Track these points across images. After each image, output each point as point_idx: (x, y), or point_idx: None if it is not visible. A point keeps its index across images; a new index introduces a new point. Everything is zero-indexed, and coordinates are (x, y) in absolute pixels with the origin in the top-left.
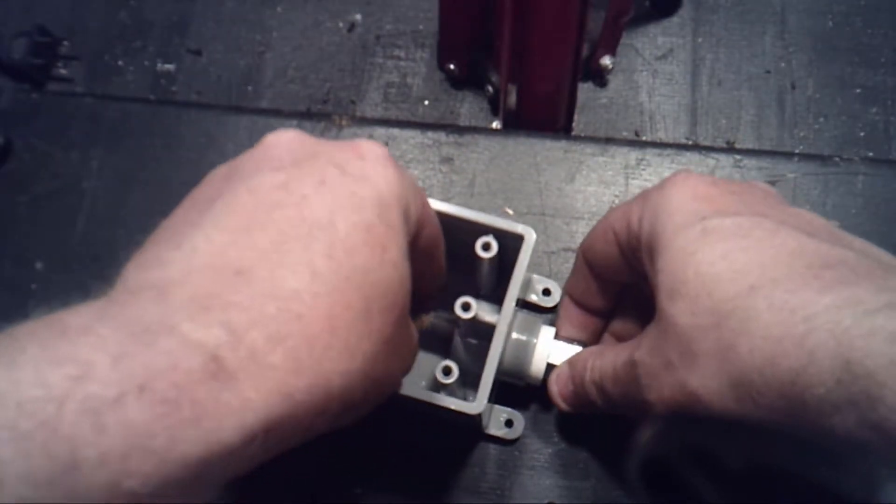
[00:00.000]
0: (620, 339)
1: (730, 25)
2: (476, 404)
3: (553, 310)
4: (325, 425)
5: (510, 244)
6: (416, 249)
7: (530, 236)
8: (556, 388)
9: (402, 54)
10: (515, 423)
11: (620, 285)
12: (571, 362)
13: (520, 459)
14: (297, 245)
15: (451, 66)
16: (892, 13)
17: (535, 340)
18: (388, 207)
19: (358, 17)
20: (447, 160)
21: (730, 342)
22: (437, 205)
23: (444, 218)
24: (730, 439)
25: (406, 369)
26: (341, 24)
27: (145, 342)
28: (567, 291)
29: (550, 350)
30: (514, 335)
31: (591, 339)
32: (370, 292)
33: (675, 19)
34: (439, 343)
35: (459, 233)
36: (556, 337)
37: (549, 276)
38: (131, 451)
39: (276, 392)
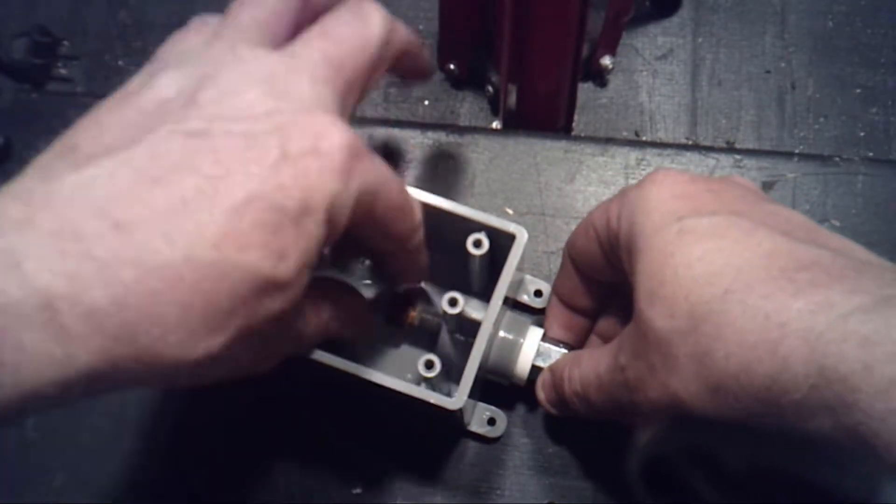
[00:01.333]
0: (606, 338)
1: (730, 25)
2: (456, 400)
3: (543, 311)
4: (163, 383)
5: (503, 243)
6: (371, 226)
7: (522, 236)
8: (542, 394)
9: None
10: (498, 422)
11: (606, 284)
12: (552, 369)
13: (520, 459)
14: (191, 220)
15: (451, 66)
16: (892, 13)
17: (522, 340)
18: (311, 213)
19: None
20: (447, 160)
21: (706, 347)
22: (430, 199)
23: (436, 213)
24: (730, 440)
25: (271, 362)
26: None
27: None
28: (554, 291)
29: (536, 351)
30: (502, 334)
31: (577, 339)
32: (243, 293)
33: (675, 19)
34: (427, 338)
35: (453, 228)
36: (544, 338)
37: (548, 276)
38: None
39: (102, 355)
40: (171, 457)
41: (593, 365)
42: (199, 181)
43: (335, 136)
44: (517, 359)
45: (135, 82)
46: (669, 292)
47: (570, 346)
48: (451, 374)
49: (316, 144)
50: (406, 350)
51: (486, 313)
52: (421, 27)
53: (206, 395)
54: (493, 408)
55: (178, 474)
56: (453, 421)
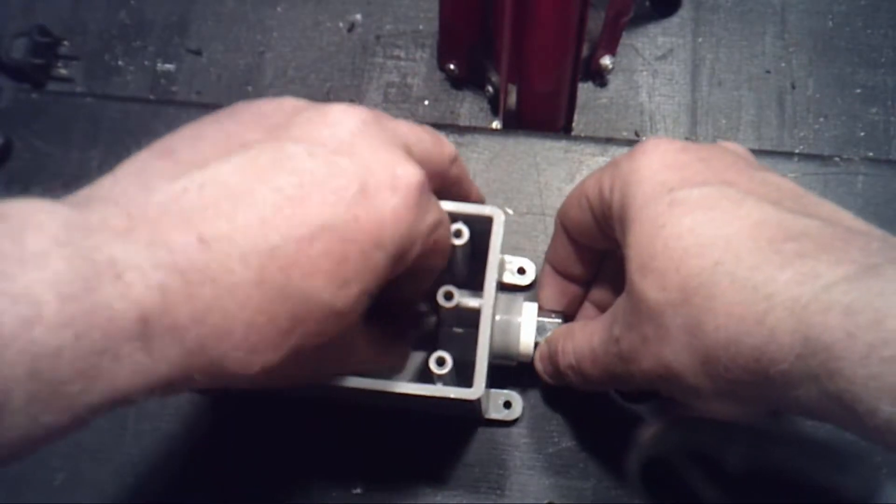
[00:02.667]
0: (599, 306)
1: (730, 25)
2: (475, 389)
3: (529, 287)
4: (220, 388)
5: (480, 228)
6: (427, 261)
7: (499, 216)
8: (540, 365)
9: (402, 54)
10: (514, 404)
11: (598, 252)
12: (548, 341)
13: (520, 459)
14: (266, 241)
15: (451, 66)
16: (892, 13)
17: (518, 319)
18: (381, 247)
19: (358, 17)
20: None
21: (697, 319)
22: None
23: None
24: (729, 440)
25: (315, 380)
26: (341, 24)
27: (90, 287)
28: (547, 259)
29: (535, 326)
30: (497, 317)
31: (571, 307)
32: (302, 316)
33: (675, 19)
34: (418, 341)
35: None
36: (540, 312)
37: None
38: (51, 397)
39: (179, 366)
40: (171, 457)
41: (587, 338)
42: (280, 200)
43: (412, 174)
44: (518, 337)
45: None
46: (660, 265)
47: (566, 317)
48: (455, 368)
49: (393, 180)
50: None
51: (482, 299)
52: (421, 27)
53: (210, 403)
54: (506, 391)
55: (178, 474)
56: (472, 412)
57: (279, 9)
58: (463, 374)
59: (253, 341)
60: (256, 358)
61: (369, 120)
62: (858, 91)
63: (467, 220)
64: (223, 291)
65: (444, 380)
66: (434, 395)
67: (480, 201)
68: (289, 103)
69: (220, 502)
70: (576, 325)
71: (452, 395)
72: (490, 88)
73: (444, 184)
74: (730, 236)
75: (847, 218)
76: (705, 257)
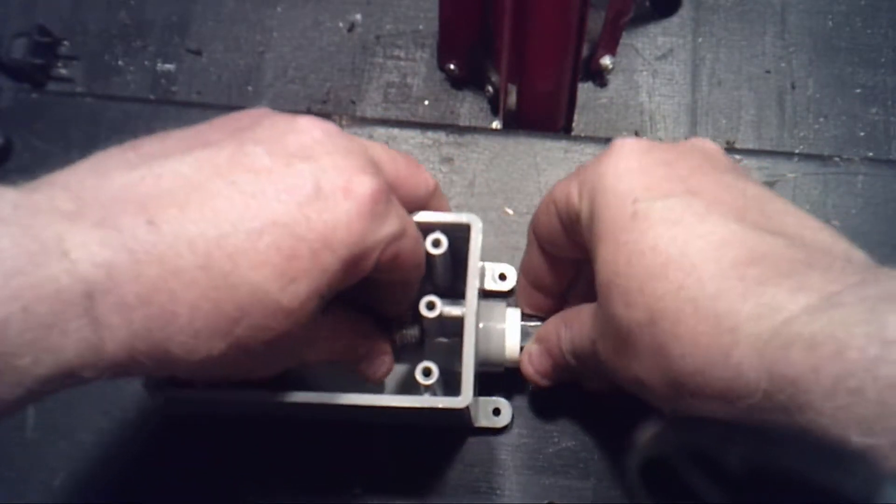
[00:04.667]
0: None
1: (730, 25)
2: (462, 398)
3: (511, 293)
4: (167, 375)
5: (458, 236)
6: (392, 272)
7: (476, 224)
8: (531, 368)
9: (402, 54)
10: (503, 410)
11: (572, 262)
12: (541, 338)
13: (520, 459)
14: (215, 229)
15: (451, 66)
16: (892, 13)
17: (502, 325)
18: (331, 248)
19: (358, 17)
20: (447, 160)
21: (663, 342)
22: None
23: None
24: (730, 440)
25: (270, 372)
26: (341, 24)
27: (37, 263)
28: (521, 271)
29: (520, 331)
30: (481, 324)
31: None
32: (248, 307)
33: (675, 19)
34: (402, 353)
35: None
36: (523, 317)
37: None
38: (2, 370)
39: (126, 345)
40: (171, 457)
41: (580, 327)
42: (234, 194)
43: (369, 181)
44: (503, 343)
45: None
46: (625, 283)
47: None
48: (441, 378)
49: (348, 186)
50: None
51: (465, 307)
52: (421, 27)
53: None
54: (494, 398)
55: (178, 475)
56: (461, 421)
57: (279, 9)
58: (450, 384)
59: (197, 326)
60: (201, 344)
61: (334, 132)
62: (858, 91)
63: (445, 229)
64: (169, 273)
65: (432, 390)
66: (422, 407)
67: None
68: (260, 111)
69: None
70: (570, 313)
71: (440, 406)
72: (490, 88)
73: (420, 211)
74: (693, 257)
75: (812, 229)
76: (669, 280)
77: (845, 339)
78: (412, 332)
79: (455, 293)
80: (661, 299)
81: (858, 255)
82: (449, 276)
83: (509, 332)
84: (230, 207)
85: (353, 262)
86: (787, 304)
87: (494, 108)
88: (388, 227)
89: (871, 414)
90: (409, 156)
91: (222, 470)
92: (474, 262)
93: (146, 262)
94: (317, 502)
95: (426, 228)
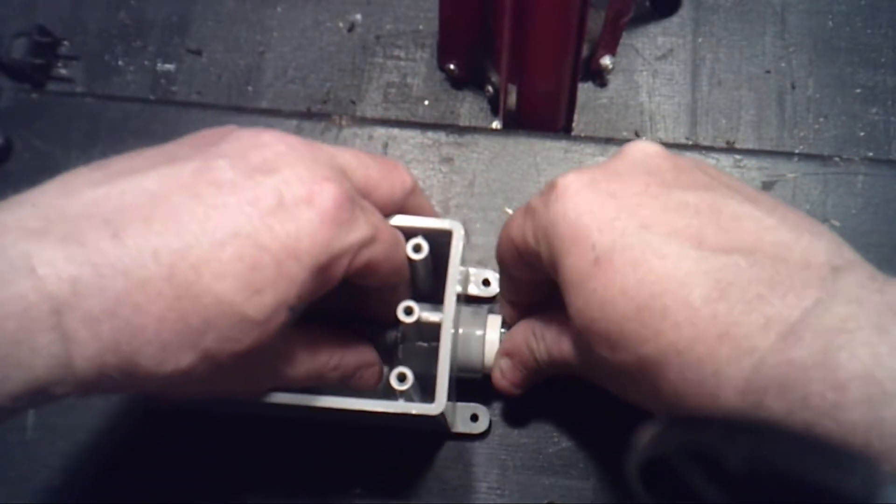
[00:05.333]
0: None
1: (730, 25)
2: (436, 405)
3: (495, 299)
4: (140, 392)
5: (441, 241)
6: (368, 278)
7: (458, 231)
8: (505, 381)
9: (402, 54)
10: (480, 417)
11: (542, 283)
12: (510, 352)
13: (520, 459)
14: (179, 241)
15: (451, 66)
16: (892, 13)
17: (482, 332)
18: (296, 257)
19: (358, 17)
20: (447, 160)
21: (654, 385)
22: None
23: None
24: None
25: (254, 390)
26: (341, 24)
27: (5, 280)
28: (500, 290)
29: (499, 338)
30: (462, 330)
31: None
32: (214, 319)
33: (675, 19)
34: (381, 355)
35: None
36: (504, 324)
37: None
38: None
39: (96, 361)
40: (171, 457)
41: (556, 343)
42: (197, 207)
43: (331, 189)
44: (483, 350)
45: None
46: (605, 327)
47: None
48: (420, 382)
49: (311, 195)
50: None
51: (442, 314)
52: (421, 27)
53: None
54: (472, 404)
55: (178, 475)
56: (438, 426)
57: (279, 9)
58: (428, 389)
59: (165, 338)
60: (169, 356)
61: (298, 145)
62: (858, 91)
63: (428, 234)
64: (135, 285)
65: (407, 395)
66: (393, 412)
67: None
68: (228, 128)
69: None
70: (538, 326)
71: (414, 412)
72: (490, 88)
73: (398, 213)
74: (663, 299)
75: (771, 229)
76: (646, 326)
77: (806, 384)
78: (390, 335)
79: (438, 298)
80: (644, 345)
81: (820, 251)
82: (431, 280)
83: (489, 339)
84: (193, 219)
85: (320, 271)
86: (758, 342)
87: (494, 108)
88: (356, 233)
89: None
90: (383, 157)
91: (222, 471)
92: (454, 269)
93: (111, 275)
94: (316, 502)
95: (408, 233)
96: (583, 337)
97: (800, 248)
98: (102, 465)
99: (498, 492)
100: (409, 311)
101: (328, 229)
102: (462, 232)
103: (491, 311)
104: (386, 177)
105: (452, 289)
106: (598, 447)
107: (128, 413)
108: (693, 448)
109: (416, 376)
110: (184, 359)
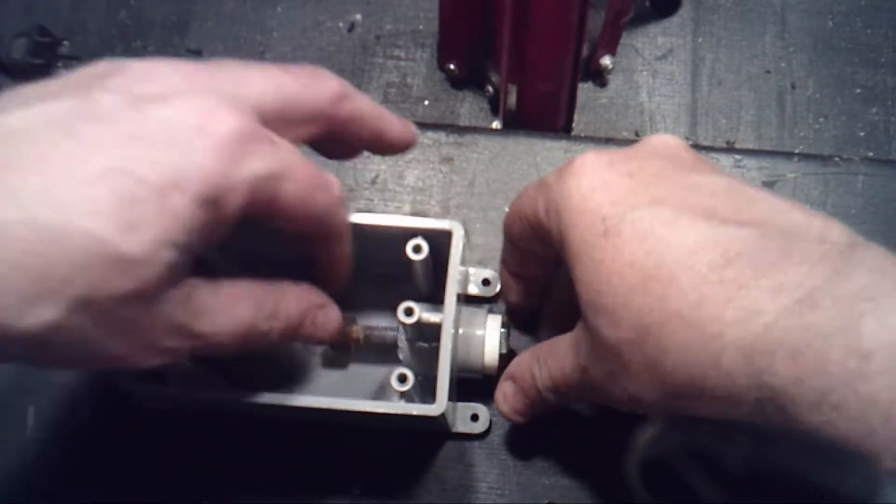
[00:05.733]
0: (564, 308)
1: (730, 25)
2: (437, 406)
3: (495, 299)
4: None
5: (441, 242)
6: (282, 213)
7: (458, 231)
8: (507, 406)
9: (402, 54)
10: (481, 416)
11: (550, 257)
12: (514, 376)
13: (520, 459)
14: (44, 179)
15: (451, 66)
16: (892, 13)
17: (482, 332)
18: (181, 190)
19: (358, 17)
20: (447, 160)
21: (655, 358)
22: (358, 218)
23: (368, 231)
24: (730, 440)
25: (153, 354)
26: (341, 24)
27: None
28: (502, 263)
29: (499, 338)
30: (462, 330)
31: (535, 302)
32: (85, 261)
33: (675, 19)
34: (377, 354)
35: (386, 246)
36: (504, 325)
37: None
38: None
39: None
40: (172, 457)
41: (558, 363)
42: (70, 145)
43: (226, 117)
44: (483, 350)
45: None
46: (609, 302)
47: (532, 324)
48: (420, 382)
49: (203, 123)
50: (356, 370)
51: (443, 314)
52: (421, 27)
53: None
54: (472, 404)
55: (179, 475)
56: (438, 426)
57: (279, 9)
58: (429, 389)
59: (24, 287)
60: (30, 309)
61: (196, 74)
62: (858, 91)
63: (427, 234)
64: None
65: (407, 396)
66: (394, 413)
67: (408, 135)
68: (122, 61)
69: (220, 503)
70: (543, 348)
71: (415, 412)
72: (490, 88)
73: (333, 126)
74: (670, 266)
75: (784, 211)
76: (651, 294)
77: (824, 350)
78: (376, 328)
79: (438, 298)
80: (648, 315)
81: (834, 230)
82: (431, 281)
83: (489, 339)
84: (62, 157)
85: (210, 205)
86: (768, 306)
87: (494, 108)
88: (255, 165)
89: (853, 432)
90: (304, 67)
91: (222, 470)
92: (454, 268)
93: None
94: (316, 502)
95: (408, 234)
96: (587, 317)
97: (814, 227)
98: (103, 464)
99: (498, 492)
100: (409, 312)
101: (220, 160)
102: (462, 232)
103: (491, 312)
104: (306, 88)
105: (453, 289)
106: (599, 447)
107: (128, 412)
108: (693, 448)
109: (417, 377)
110: (48, 310)
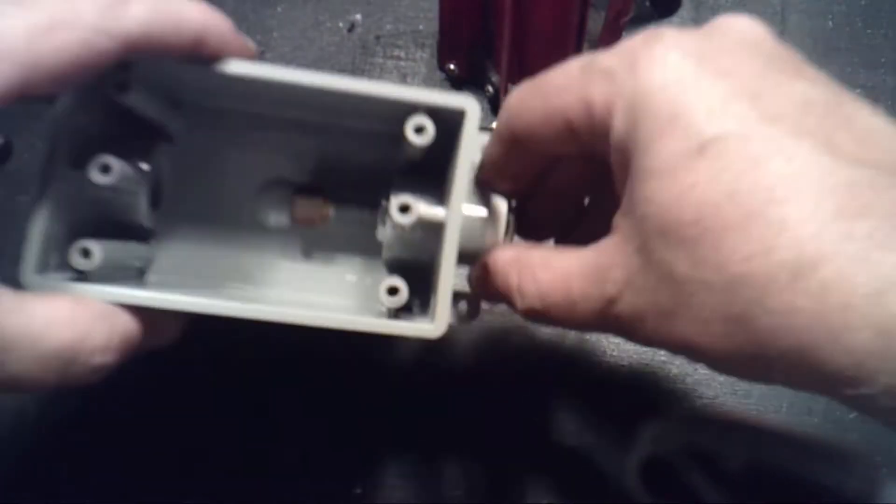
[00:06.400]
0: (566, 210)
1: None
2: (436, 325)
3: None
4: None
5: (449, 123)
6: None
7: (473, 110)
8: (476, 287)
9: (402, 54)
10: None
11: (553, 157)
12: (494, 270)
13: (520, 459)
14: None
15: (451, 66)
16: (892, 13)
17: (484, 213)
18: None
19: (358, 17)
20: None
21: (744, 312)
22: (344, 84)
23: (353, 102)
24: (730, 440)
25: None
26: (341, 24)
27: None
28: (483, 163)
29: (507, 221)
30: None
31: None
32: None
33: (674, 19)
34: (344, 239)
35: (370, 130)
36: (511, 205)
37: None
38: None
39: None
40: (173, 458)
41: (560, 282)
42: None
43: None
44: (483, 237)
45: None
46: (691, 235)
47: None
48: (398, 266)
49: None
50: (321, 258)
51: (447, 211)
52: (421, 27)
53: (206, 397)
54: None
55: (179, 475)
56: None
57: (279, 9)
58: (415, 276)
59: None
60: None
61: None
62: (858, 91)
63: (432, 112)
64: None
65: (396, 312)
66: (385, 333)
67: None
68: None
69: (218, 501)
70: (536, 258)
71: (410, 334)
72: (490, 88)
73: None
74: (785, 208)
75: (886, 137)
76: (753, 238)
77: None
78: (349, 213)
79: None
80: (745, 262)
81: None
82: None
83: (492, 223)
84: None
85: (47, 29)
86: None
87: (494, 108)
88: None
89: None
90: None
91: (222, 471)
92: (465, 158)
93: None
94: (317, 501)
95: (407, 109)
96: (650, 245)
97: None
98: (102, 464)
99: (497, 492)
100: (405, 209)
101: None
102: (479, 111)
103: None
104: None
105: (462, 181)
106: (599, 447)
107: (129, 412)
108: (693, 448)
109: (403, 270)
110: None
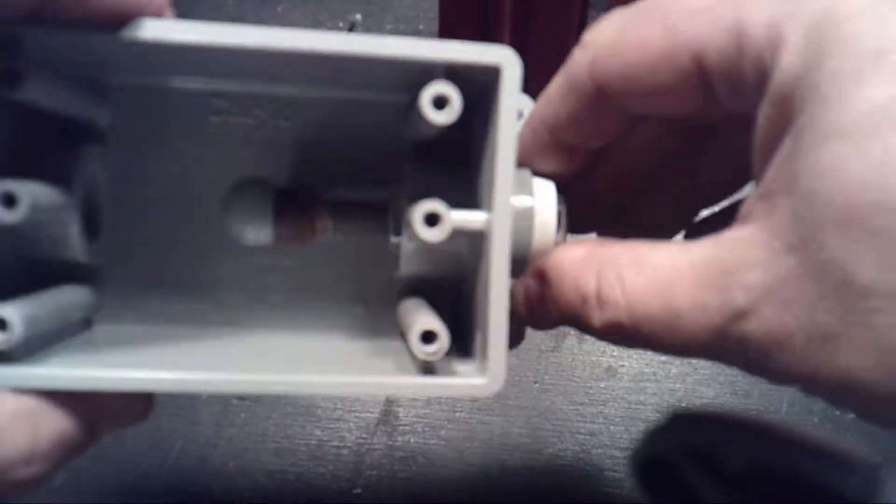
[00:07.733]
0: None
1: None
2: (491, 381)
3: None
4: None
5: (476, 92)
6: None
7: (512, 65)
8: (524, 309)
9: None
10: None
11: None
12: (552, 279)
13: (520, 459)
14: None
15: None
16: None
17: (530, 203)
18: None
19: (358, 17)
20: None
21: None
22: (336, 43)
23: (322, 60)
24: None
25: None
26: (341, 24)
27: None
28: (536, 121)
29: (559, 213)
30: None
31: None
32: None
33: None
34: (348, 256)
35: (377, 103)
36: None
37: None
38: None
39: None
40: (173, 458)
41: (658, 288)
42: None
43: None
44: (531, 232)
45: None
46: (889, 225)
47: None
48: (413, 285)
49: None
50: (317, 283)
51: (491, 214)
52: (421, 27)
53: (206, 399)
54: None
55: (179, 475)
56: None
57: (279, 9)
58: (435, 295)
59: None
60: None
61: None
62: None
63: (455, 73)
64: None
65: (435, 355)
66: (429, 388)
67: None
68: None
69: (221, 502)
70: (622, 256)
71: (456, 394)
72: None
73: None
74: None
75: None
76: None
77: None
78: (349, 227)
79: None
80: None
81: None
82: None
83: (540, 215)
84: None
85: None
86: None
87: None
88: None
89: None
90: None
91: (222, 471)
92: (508, 132)
93: None
94: (317, 502)
95: (419, 72)
96: (820, 237)
97: None
98: (103, 464)
99: (498, 492)
100: (432, 220)
101: None
102: (519, 68)
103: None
104: None
105: (507, 170)
106: (599, 447)
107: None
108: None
109: (421, 283)
110: None
